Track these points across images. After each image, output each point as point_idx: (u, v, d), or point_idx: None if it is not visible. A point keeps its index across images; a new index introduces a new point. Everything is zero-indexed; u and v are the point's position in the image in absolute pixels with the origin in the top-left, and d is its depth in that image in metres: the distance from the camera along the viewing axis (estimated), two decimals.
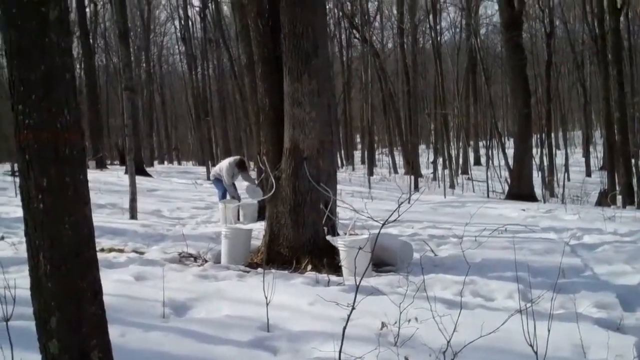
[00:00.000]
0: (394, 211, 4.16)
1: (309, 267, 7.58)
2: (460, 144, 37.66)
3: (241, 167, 12.91)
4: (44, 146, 3.05)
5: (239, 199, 12.78)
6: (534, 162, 21.63)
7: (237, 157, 13.93)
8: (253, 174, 13.71)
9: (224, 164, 13.03)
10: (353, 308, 3.97)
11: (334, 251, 7.82)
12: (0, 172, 18.09)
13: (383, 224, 4.23)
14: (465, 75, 38.54)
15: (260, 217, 11.18)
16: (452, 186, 26.64)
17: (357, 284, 4.16)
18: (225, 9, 38.75)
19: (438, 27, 36.03)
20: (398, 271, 7.35)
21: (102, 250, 8.21)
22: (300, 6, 7.78)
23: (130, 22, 41.38)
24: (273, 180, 8.12)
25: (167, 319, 5.21)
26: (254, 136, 12.17)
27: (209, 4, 36.92)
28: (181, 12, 39.33)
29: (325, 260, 7.56)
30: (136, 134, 25.71)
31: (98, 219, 10.53)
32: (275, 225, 8.09)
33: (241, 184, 13.48)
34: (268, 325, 4.98)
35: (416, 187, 23.46)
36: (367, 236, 7.59)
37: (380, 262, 7.84)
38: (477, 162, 43.95)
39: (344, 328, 3.86)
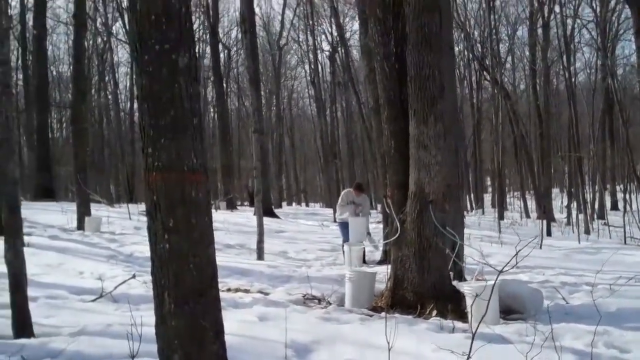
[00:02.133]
0: (513, 257, 4.02)
1: (434, 312, 7.41)
2: (596, 187, 36.12)
3: (358, 189, 12.65)
4: (171, 187, 3.14)
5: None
6: None
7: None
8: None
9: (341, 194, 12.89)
10: (469, 357, 3.84)
11: (459, 297, 7.61)
12: (137, 212, 18.87)
13: (500, 271, 4.08)
14: (601, 117, 37.08)
15: (384, 261, 11.01)
16: (587, 232, 25.44)
17: (474, 332, 4.02)
18: (355, 52, 39.37)
19: (572, 68, 34.98)
20: (527, 319, 7.08)
21: (229, 290, 8.38)
22: (427, 49, 7.70)
23: (262, 66, 42.92)
24: (398, 224, 8.04)
25: None
26: (380, 178, 12.00)
27: (339, 49, 37.70)
28: (311, 56, 40.31)
29: (450, 306, 7.36)
30: (265, 175, 26.25)
31: (226, 259, 10.88)
32: (400, 269, 7.98)
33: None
34: None
35: (548, 233, 22.58)
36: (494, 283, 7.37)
37: (509, 310, 7.56)
38: (615, 206, 41.83)
39: None
